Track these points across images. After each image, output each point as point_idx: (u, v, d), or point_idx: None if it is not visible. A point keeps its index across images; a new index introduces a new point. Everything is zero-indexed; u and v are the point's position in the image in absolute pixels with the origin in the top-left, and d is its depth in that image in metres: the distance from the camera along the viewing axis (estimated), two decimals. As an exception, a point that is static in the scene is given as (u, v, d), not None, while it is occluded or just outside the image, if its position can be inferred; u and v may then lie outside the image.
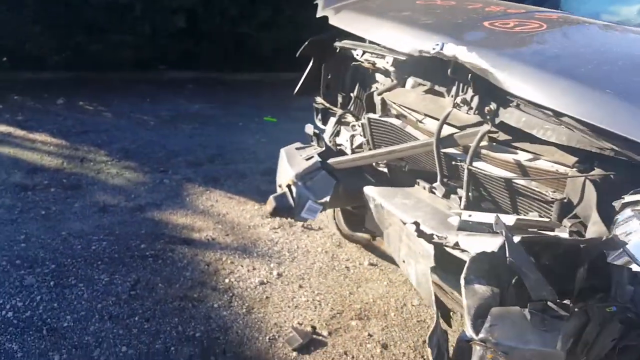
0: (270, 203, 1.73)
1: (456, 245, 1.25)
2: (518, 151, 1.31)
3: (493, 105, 1.28)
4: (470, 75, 1.26)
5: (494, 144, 1.34)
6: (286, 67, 6.02)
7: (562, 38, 1.34)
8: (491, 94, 1.27)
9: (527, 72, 1.12)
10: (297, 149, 1.88)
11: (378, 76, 1.94)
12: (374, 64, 1.77)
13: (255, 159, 3.75)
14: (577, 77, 1.08)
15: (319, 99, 2.12)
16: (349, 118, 2.00)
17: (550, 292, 1.05)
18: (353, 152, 1.87)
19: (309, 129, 2.01)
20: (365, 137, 1.79)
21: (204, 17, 5.03)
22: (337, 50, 1.91)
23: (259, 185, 3.34)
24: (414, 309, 2.28)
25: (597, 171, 1.12)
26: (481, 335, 1.08)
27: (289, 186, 1.75)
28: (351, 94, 2.06)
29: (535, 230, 1.12)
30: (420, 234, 1.39)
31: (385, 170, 1.76)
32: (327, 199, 1.72)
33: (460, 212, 1.33)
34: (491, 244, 1.13)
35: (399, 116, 1.65)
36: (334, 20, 1.76)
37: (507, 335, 1.07)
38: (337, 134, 2.00)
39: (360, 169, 1.79)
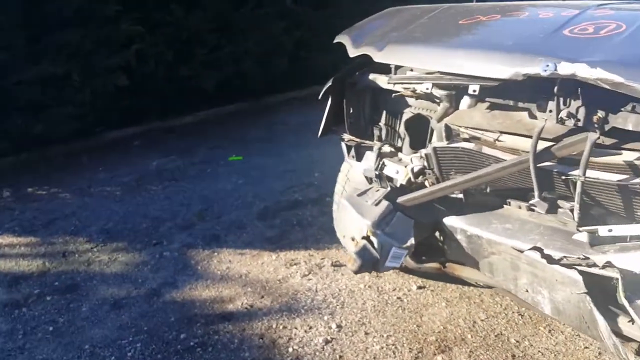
0: (355, 261, 1.58)
1: (608, 264, 1.19)
2: (623, 152, 1.29)
3: (602, 113, 1.24)
4: (579, 89, 1.22)
5: (598, 149, 1.31)
6: (228, 101, 5.86)
7: None
8: (598, 103, 1.23)
9: None
10: (358, 195, 1.75)
11: (410, 102, 1.86)
12: (414, 90, 1.69)
13: (244, 204, 3.53)
14: None
15: (347, 136, 2.00)
16: (387, 149, 1.90)
17: None
18: (412, 184, 1.77)
19: (368, 172, 1.88)
20: (430, 167, 1.70)
21: (138, 68, 4.73)
22: (388, 88, 1.81)
23: (263, 232, 3.14)
24: (485, 324, 2.22)
25: None
26: None
27: (366, 237, 1.61)
28: (381, 124, 1.97)
29: None
30: (551, 260, 1.32)
31: (458, 196, 1.68)
32: (412, 241, 1.60)
33: (594, 228, 1.27)
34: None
35: (469, 139, 1.57)
36: (381, 58, 1.66)
37: None
38: (381, 168, 1.89)
39: (430, 201, 1.70)
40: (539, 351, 2.04)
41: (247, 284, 2.60)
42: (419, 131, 1.85)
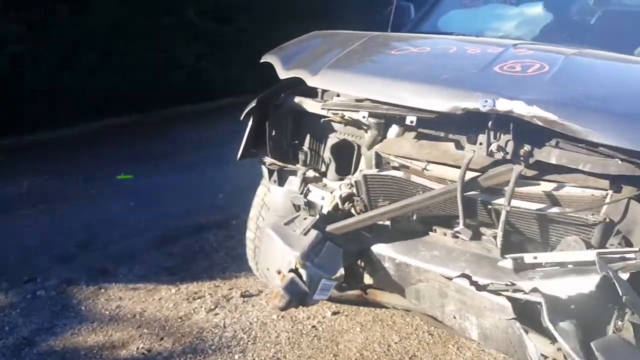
0: (282, 297, 1.47)
1: (535, 290, 1.25)
2: (541, 182, 1.38)
3: (528, 147, 1.31)
4: (512, 123, 1.28)
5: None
6: (117, 112, 5.38)
7: (579, 75, 1.46)
8: (526, 138, 1.31)
9: (598, 117, 1.19)
10: (285, 224, 1.65)
11: (336, 127, 1.83)
12: (342, 116, 1.67)
13: (136, 231, 3.20)
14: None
15: (268, 160, 1.90)
16: (311, 174, 1.85)
17: None
18: (337, 211, 1.73)
19: (297, 199, 1.79)
20: (359, 194, 1.66)
21: (12, 73, 4.14)
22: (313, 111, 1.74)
23: (160, 262, 2.87)
24: (399, 346, 2.23)
25: (635, 191, 1.24)
26: None
27: (295, 270, 1.52)
28: (304, 148, 1.91)
29: (628, 258, 1.19)
30: (480, 287, 1.35)
31: (385, 223, 1.67)
32: (342, 271, 1.55)
33: (519, 255, 1.33)
34: (586, 282, 1.16)
35: (398, 168, 1.58)
36: (316, 82, 1.60)
37: None
38: (306, 193, 1.82)
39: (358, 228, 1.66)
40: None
41: (143, 325, 2.32)
42: (344, 157, 1.82)
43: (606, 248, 1.27)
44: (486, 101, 1.24)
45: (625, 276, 1.11)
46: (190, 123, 5.67)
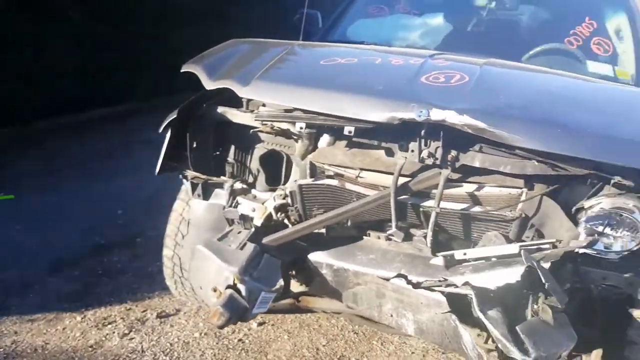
0: (222, 314, 1.40)
1: (466, 284, 1.35)
2: (464, 184, 1.50)
3: (454, 153, 1.42)
4: (442, 131, 1.36)
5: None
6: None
7: (495, 85, 1.58)
8: (453, 144, 1.41)
9: (520, 124, 1.31)
10: (219, 240, 1.58)
11: (263, 137, 1.80)
12: (272, 127, 1.65)
13: (27, 256, 2.85)
14: (557, 120, 1.35)
15: (191, 173, 1.81)
16: (239, 185, 1.79)
17: (564, 297, 1.28)
18: (270, 222, 1.70)
19: (232, 213, 1.70)
20: (294, 204, 1.65)
21: None
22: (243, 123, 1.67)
23: (59, 288, 2.59)
24: (327, 348, 2.27)
25: (545, 188, 1.41)
26: (534, 354, 1.23)
27: (232, 286, 1.47)
28: (229, 160, 1.85)
29: (544, 249, 1.33)
30: (416, 284, 1.43)
31: (321, 231, 1.68)
32: (281, 282, 1.53)
33: (450, 253, 1.43)
34: (511, 273, 1.29)
35: (333, 176, 1.60)
36: (248, 93, 1.54)
37: (547, 344, 1.25)
38: (235, 206, 1.76)
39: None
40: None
41: (47, 359, 2.08)
42: (272, 167, 1.80)
43: (523, 241, 1.43)
44: (421, 111, 1.31)
45: (546, 265, 1.25)
46: (76, 133, 5.17)
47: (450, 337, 1.43)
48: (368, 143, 1.54)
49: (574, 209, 1.39)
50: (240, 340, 2.28)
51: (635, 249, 1.34)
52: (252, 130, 1.69)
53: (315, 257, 1.61)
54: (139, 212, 3.47)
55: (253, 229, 1.61)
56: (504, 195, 1.45)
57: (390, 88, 1.45)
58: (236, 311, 1.44)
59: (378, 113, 1.36)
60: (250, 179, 1.83)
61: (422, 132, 1.39)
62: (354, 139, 1.54)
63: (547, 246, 1.32)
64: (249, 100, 1.70)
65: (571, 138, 1.28)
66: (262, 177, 1.80)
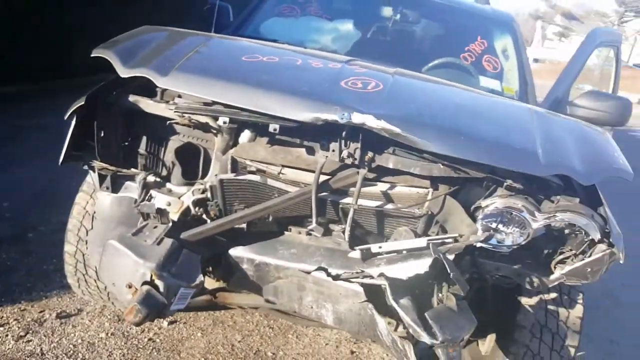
0: (139, 311, 1.36)
1: (381, 275, 1.46)
2: (378, 183, 1.60)
3: (371, 154, 1.51)
4: (360, 134, 1.44)
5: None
6: None
7: (406, 94, 1.67)
8: (370, 146, 1.49)
9: (433, 131, 1.41)
10: (133, 235, 1.51)
11: (178, 129, 1.77)
12: (190, 119, 1.62)
13: None
14: (457, 126, 1.49)
15: (98, 164, 1.71)
16: (151, 178, 1.74)
17: (466, 285, 1.43)
18: (186, 217, 1.67)
19: (148, 207, 1.63)
20: (214, 198, 1.63)
21: None
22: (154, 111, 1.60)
23: None
24: (243, 344, 2.28)
25: (448, 189, 1.56)
26: (441, 338, 1.36)
27: (150, 282, 1.43)
28: (141, 151, 1.78)
29: (447, 242, 1.47)
30: (336, 276, 1.51)
31: (241, 226, 1.68)
32: (200, 277, 1.52)
33: (367, 246, 1.52)
34: (421, 265, 1.41)
35: (255, 172, 1.61)
36: (167, 84, 1.47)
37: (452, 328, 1.39)
38: (148, 199, 1.70)
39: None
40: (293, 357, 2.26)
41: None
42: (189, 160, 1.76)
43: (430, 236, 1.57)
44: (344, 114, 1.38)
45: (451, 257, 1.39)
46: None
47: (366, 325, 1.53)
48: (290, 141, 1.58)
49: (472, 207, 1.56)
50: (150, 339, 2.21)
51: (523, 243, 1.53)
52: (168, 122, 1.64)
53: (236, 252, 1.62)
54: (28, 205, 3.20)
55: (170, 224, 1.57)
56: (413, 194, 1.58)
57: (314, 90, 1.50)
58: (154, 308, 1.40)
59: (303, 113, 1.40)
60: (164, 172, 1.77)
61: (343, 134, 1.46)
62: (276, 137, 1.57)
63: (450, 240, 1.47)
64: (163, 91, 1.65)
65: (472, 145, 1.43)
66: (177, 171, 1.75)
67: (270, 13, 3.07)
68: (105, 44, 1.66)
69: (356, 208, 1.54)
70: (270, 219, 1.66)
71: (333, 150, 1.51)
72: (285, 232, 1.69)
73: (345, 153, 1.49)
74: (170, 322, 2.33)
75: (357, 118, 1.38)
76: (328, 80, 1.58)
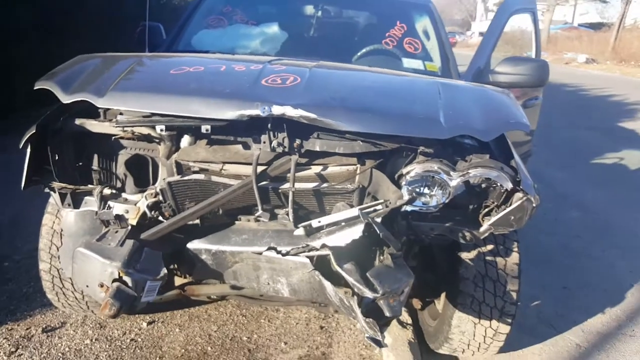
0: (112, 305, 1.53)
1: (323, 246, 1.66)
2: (312, 166, 1.80)
3: (299, 141, 1.70)
4: (285, 124, 1.63)
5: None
6: None
7: (322, 83, 1.85)
8: (296, 134, 1.68)
9: (344, 112, 1.61)
10: (97, 240, 1.67)
11: (125, 144, 1.92)
12: (133, 132, 1.78)
13: None
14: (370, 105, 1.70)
15: (58, 184, 1.86)
16: (107, 191, 1.89)
17: (398, 244, 1.64)
18: (145, 220, 1.84)
19: (107, 214, 1.78)
20: (166, 200, 1.80)
21: None
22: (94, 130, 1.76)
23: None
24: (219, 333, 2.46)
25: (373, 162, 1.77)
26: (381, 291, 1.56)
27: (119, 279, 1.60)
28: (94, 168, 1.93)
29: (377, 209, 1.67)
30: (285, 253, 1.71)
31: (195, 222, 1.85)
32: (164, 270, 1.69)
33: (308, 223, 1.72)
34: (356, 231, 1.62)
35: (199, 171, 1.79)
36: (105, 103, 1.61)
37: (391, 282, 1.59)
38: (107, 209, 1.86)
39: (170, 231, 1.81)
40: (267, 339, 2.45)
41: None
42: (138, 170, 1.92)
43: (362, 205, 1.77)
44: (264, 108, 1.56)
45: (379, 220, 1.60)
46: None
47: (317, 291, 1.73)
48: (226, 139, 1.76)
49: (396, 176, 1.77)
50: (132, 340, 2.37)
51: (447, 201, 1.74)
52: (113, 138, 1.80)
53: (193, 245, 1.80)
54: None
55: (129, 227, 1.74)
56: (343, 172, 1.78)
57: (236, 90, 1.68)
58: (125, 300, 1.58)
59: (229, 112, 1.58)
60: (118, 184, 1.93)
61: (269, 126, 1.65)
62: (212, 137, 1.75)
63: (380, 207, 1.67)
64: (106, 110, 1.80)
65: (379, 119, 1.63)
66: (130, 181, 1.91)
67: (199, 26, 3.20)
68: (46, 76, 1.81)
69: (294, 191, 1.73)
70: (221, 212, 1.84)
71: (264, 142, 1.69)
72: (236, 222, 1.87)
73: (275, 143, 1.67)
74: (149, 323, 2.50)
75: (276, 110, 1.56)
76: (249, 81, 1.76)
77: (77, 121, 1.83)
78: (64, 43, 6.15)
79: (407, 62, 2.91)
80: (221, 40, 3.05)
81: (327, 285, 1.62)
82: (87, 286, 1.67)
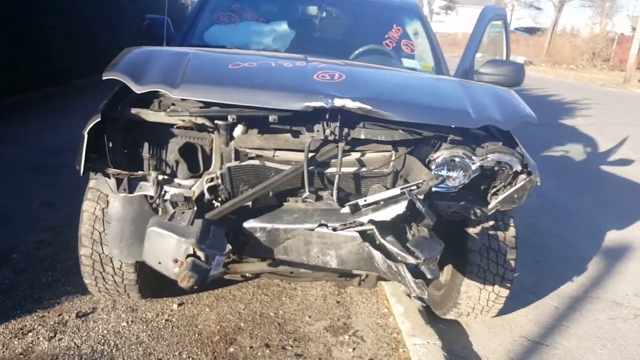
0: (190, 277, 1.69)
1: (370, 221, 1.91)
2: (352, 153, 2.05)
3: (346, 130, 1.93)
4: (339, 114, 1.86)
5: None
6: None
7: (364, 80, 2.10)
8: (346, 124, 1.92)
9: (393, 105, 1.85)
10: (169, 220, 1.83)
11: (176, 133, 2.06)
12: (192, 122, 1.95)
13: None
14: (410, 98, 1.96)
15: (113, 170, 1.98)
16: (161, 177, 2.03)
17: (434, 217, 1.92)
18: (202, 202, 2.01)
19: (177, 196, 1.93)
20: (224, 184, 1.98)
21: None
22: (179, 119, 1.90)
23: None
24: (248, 310, 2.65)
25: (407, 149, 2.04)
26: (422, 258, 1.82)
27: (192, 255, 1.77)
28: (146, 155, 2.06)
29: (414, 189, 1.94)
30: (336, 229, 1.95)
31: (248, 204, 2.04)
32: (229, 246, 1.87)
33: (355, 202, 1.96)
34: (400, 207, 1.88)
35: (254, 157, 1.98)
36: (181, 94, 1.76)
37: (428, 250, 1.83)
38: (162, 194, 2.01)
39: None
40: (292, 314, 2.66)
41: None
42: (188, 157, 2.08)
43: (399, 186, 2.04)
44: (328, 100, 1.78)
45: (421, 197, 1.88)
46: None
47: (364, 260, 1.97)
48: (281, 128, 1.96)
49: (426, 160, 2.05)
50: (167, 320, 2.52)
51: (466, 182, 2.05)
52: (174, 127, 1.96)
53: (249, 224, 1.99)
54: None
55: (195, 208, 1.91)
56: (380, 158, 2.04)
57: (298, 84, 1.90)
58: (201, 273, 1.75)
59: (296, 103, 1.77)
60: (168, 171, 2.07)
61: (327, 116, 1.87)
62: (271, 126, 1.95)
63: (414, 187, 1.95)
64: (160, 101, 1.94)
65: (424, 111, 1.90)
66: (183, 167, 2.07)
67: (210, 22, 3.36)
68: (114, 67, 1.92)
69: (340, 174, 1.98)
70: (271, 194, 2.05)
71: (317, 131, 1.91)
72: (284, 203, 2.08)
73: (327, 132, 1.90)
74: (179, 304, 2.65)
75: (338, 102, 1.79)
76: (302, 76, 1.98)
77: (133, 110, 1.96)
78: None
79: (406, 62, 3.21)
80: (235, 36, 3.22)
81: (377, 254, 1.88)
82: (159, 263, 1.82)
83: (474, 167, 2.02)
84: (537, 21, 42.23)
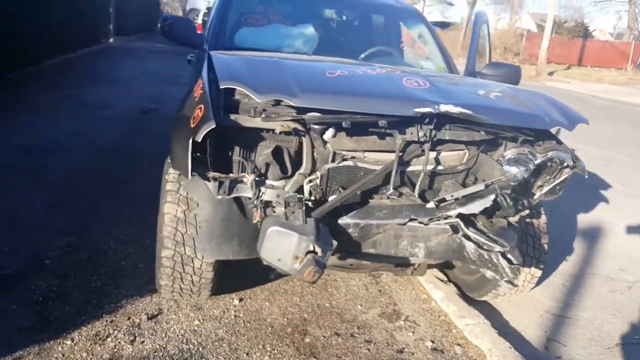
0: (316, 272, 1.81)
1: (459, 214, 2.13)
2: (431, 152, 2.25)
3: (434, 132, 2.13)
4: (434, 118, 2.04)
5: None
6: None
7: (447, 87, 2.28)
8: (434, 127, 2.11)
9: (486, 110, 2.05)
10: (287, 220, 1.93)
11: (266, 136, 2.14)
12: (289, 126, 2.05)
13: None
14: (491, 102, 2.19)
15: (214, 174, 2.04)
16: (256, 179, 2.11)
17: (513, 209, 2.18)
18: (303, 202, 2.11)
19: (292, 197, 2.00)
20: (321, 184, 2.10)
21: None
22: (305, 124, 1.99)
23: (10, 325, 2.33)
24: (304, 302, 2.78)
25: (478, 148, 2.28)
26: (507, 246, 2.09)
27: (311, 251, 1.89)
28: (238, 158, 2.12)
29: (496, 184, 2.17)
30: (426, 222, 2.15)
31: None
32: (335, 242, 2.01)
33: (442, 197, 2.17)
34: (488, 201, 2.11)
35: (348, 159, 2.12)
36: (301, 102, 1.85)
37: (510, 238, 2.12)
38: (259, 196, 2.09)
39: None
40: (344, 303, 2.83)
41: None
42: (279, 160, 2.17)
43: (467, 185, 2.27)
44: (435, 106, 1.96)
45: (508, 192, 2.12)
46: None
47: (454, 250, 2.19)
48: (375, 131, 2.12)
49: (496, 158, 2.31)
50: (235, 316, 2.59)
51: (527, 176, 2.33)
52: (268, 132, 2.06)
53: (343, 220, 2.13)
54: (10, 235, 3.15)
55: (304, 207, 2.02)
56: (454, 156, 2.27)
57: (400, 91, 2.07)
58: (322, 267, 1.89)
59: (406, 109, 1.93)
60: (256, 172, 2.15)
61: (426, 120, 2.05)
62: (357, 129, 2.06)
63: (490, 183, 2.19)
64: (255, 108, 2.03)
65: (511, 115, 2.13)
66: (274, 169, 2.16)
67: (238, 24, 3.40)
68: (231, 77, 2.00)
69: (426, 172, 2.18)
70: (358, 192, 2.21)
71: (411, 133, 2.09)
72: (370, 201, 2.24)
73: (421, 134, 2.09)
74: (240, 300, 2.72)
75: (443, 108, 1.97)
76: (396, 83, 2.16)
77: (232, 117, 2.03)
78: None
79: (425, 64, 3.46)
80: (264, 39, 3.29)
81: (469, 244, 2.11)
82: (279, 260, 1.92)
83: (537, 162, 2.30)
84: (445, 15, 45.13)
